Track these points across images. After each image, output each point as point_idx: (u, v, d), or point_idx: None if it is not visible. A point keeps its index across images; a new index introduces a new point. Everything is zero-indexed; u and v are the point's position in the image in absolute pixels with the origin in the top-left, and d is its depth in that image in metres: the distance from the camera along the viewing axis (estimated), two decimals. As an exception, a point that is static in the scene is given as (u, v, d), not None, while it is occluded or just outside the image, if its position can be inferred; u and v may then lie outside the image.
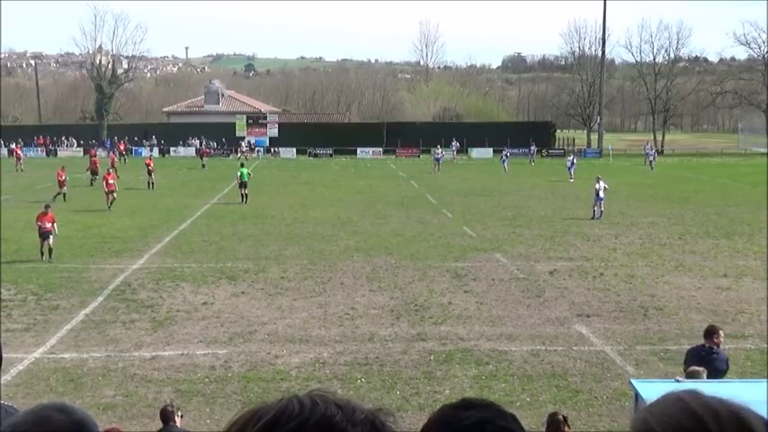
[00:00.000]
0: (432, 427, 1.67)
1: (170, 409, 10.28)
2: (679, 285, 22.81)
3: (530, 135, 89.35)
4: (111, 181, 40.15)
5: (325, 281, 23.45)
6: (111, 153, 67.35)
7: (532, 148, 79.50)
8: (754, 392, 9.71)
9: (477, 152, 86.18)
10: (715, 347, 11.76)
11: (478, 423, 1.67)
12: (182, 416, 10.57)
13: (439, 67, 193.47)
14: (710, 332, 12.02)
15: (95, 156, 59.44)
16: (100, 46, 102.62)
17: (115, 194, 39.98)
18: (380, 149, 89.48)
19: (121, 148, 77.50)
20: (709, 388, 1.53)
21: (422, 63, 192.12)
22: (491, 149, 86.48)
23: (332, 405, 1.38)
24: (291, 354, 16.55)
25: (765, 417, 1.42)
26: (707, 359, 11.38)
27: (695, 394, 1.43)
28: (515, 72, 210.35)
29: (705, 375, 10.46)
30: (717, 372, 11.14)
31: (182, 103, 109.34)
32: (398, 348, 16.81)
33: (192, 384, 14.72)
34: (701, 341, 12.10)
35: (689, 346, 12.81)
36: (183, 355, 16.43)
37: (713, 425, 1.36)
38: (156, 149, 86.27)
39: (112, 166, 50.62)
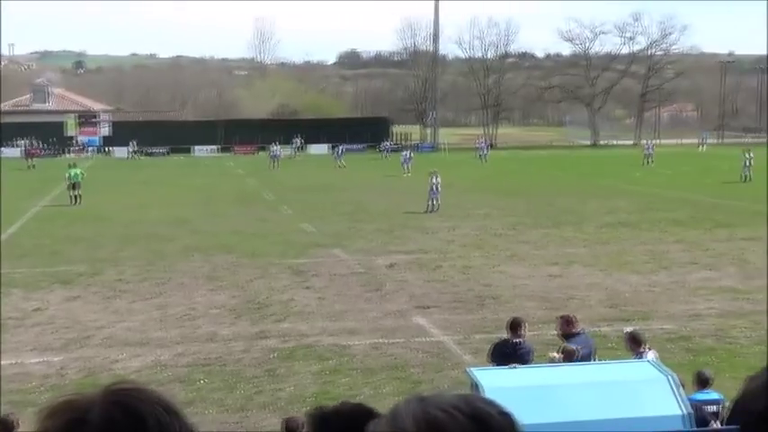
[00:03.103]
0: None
1: (11, 418, 9.85)
2: (513, 274, 23.55)
3: (367, 131, 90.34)
4: None
5: (164, 282, 23.06)
6: None
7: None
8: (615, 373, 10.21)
9: (315, 148, 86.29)
10: (521, 341, 11.98)
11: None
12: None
13: (275, 64, 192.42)
14: (516, 326, 11.95)
15: None
16: None
17: None
18: (217, 147, 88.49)
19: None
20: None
21: (257, 60, 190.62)
22: (328, 145, 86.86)
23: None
24: (130, 357, 16.23)
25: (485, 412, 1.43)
26: (515, 354, 11.56)
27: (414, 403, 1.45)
28: (351, 68, 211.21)
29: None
30: (524, 363, 11.32)
31: (7, 102, 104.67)
32: (240, 347, 16.72)
33: (25, 394, 14.19)
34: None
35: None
36: (14, 364, 15.81)
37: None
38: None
39: None
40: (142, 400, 1.41)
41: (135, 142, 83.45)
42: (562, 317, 12.65)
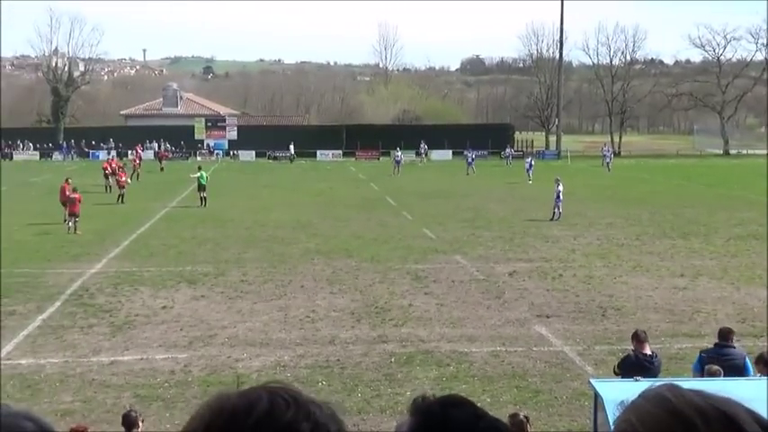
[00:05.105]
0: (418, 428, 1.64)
1: (134, 414, 10.14)
2: (637, 285, 23.03)
3: (490, 137, 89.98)
4: (123, 178, 45.98)
5: (286, 284, 23.38)
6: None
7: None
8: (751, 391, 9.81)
9: (436, 154, 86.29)
10: (654, 354, 11.74)
11: (471, 417, 1.64)
12: (143, 420, 10.45)
13: (398, 70, 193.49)
14: (642, 339, 11.80)
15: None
16: (56, 48, 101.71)
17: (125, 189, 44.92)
18: (340, 152, 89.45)
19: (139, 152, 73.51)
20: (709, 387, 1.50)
21: (381, 65, 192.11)
22: (450, 151, 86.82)
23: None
24: (252, 357, 16.50)
25: (755, 412, 1.38)
26: (649, 367, 11.30)
27: (677, 390, 1.41)
28: (474, 74, 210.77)
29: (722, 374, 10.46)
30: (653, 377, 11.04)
31: (139, 106, 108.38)
32: (359, 351, 16.81)
33: (152, 389, 14.60)
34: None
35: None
36: (142, 359, 16.30)
37: (698, 422, 1.33)
38: (113, 153, 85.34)
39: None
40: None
41: (292, 146, 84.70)
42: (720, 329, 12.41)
